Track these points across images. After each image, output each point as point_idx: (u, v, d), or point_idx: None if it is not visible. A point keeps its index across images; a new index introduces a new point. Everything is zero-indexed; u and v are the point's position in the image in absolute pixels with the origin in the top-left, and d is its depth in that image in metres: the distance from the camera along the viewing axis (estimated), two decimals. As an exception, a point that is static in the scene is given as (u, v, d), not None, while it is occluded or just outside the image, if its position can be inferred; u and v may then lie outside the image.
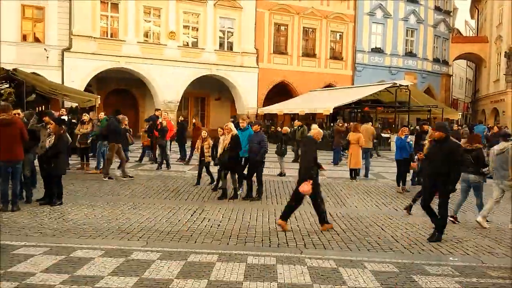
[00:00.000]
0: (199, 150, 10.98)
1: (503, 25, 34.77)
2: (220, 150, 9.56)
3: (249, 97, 28.96)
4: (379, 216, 8.36)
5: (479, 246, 6.56)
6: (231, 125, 9.71)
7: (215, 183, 10.61)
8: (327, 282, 4.80)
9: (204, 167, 10.96)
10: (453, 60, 39.74)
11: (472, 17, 49.45)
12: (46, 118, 8.80)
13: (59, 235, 6.37)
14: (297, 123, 17.50)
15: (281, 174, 13.39)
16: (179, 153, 16.47)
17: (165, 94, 26.54)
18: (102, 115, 14.50)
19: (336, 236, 6.80)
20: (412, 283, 4.89)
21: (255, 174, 9.66)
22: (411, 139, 12.05)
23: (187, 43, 27.72)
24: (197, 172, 11.38)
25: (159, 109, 16.35)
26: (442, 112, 26.73)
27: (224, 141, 9.46)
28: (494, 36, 36.48)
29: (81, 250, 5.57)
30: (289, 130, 15.80)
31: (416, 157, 10.02)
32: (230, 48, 28.79)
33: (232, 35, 28.79)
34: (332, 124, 22.51)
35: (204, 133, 11.05)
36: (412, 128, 25.66)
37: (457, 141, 7.24)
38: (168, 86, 26.45)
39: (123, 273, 4.83)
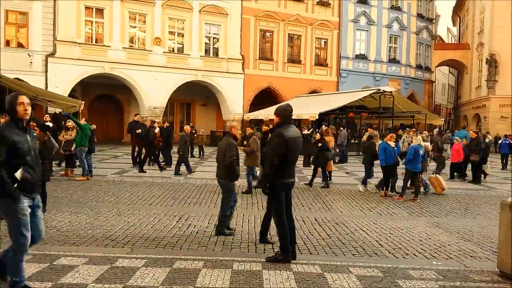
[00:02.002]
0: None
1: (484, 32, 35.50)
2: None
3: (235, 103, 29.02)
4: (364, 220, 8.43)
5: (462, 250, 6.66)
6: None
7: None
8: (313, 287, 4.82)
9: None
10: (436, 67, 40.36)
11: (454, 24, 50.39)
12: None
13: (42, 242, 6.26)
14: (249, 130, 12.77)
15: None
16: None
17: (151, 100, 26.44)
18: (83, 120, 13.72)
19: (322, 241, 6.83)
20: None
21: None
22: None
23: (173, 49, 27.69)
24: (183, 177, 11.12)
25: (137, 114, 16.26)
26: (425, 117, 27.08)
27: None
28: (476, 43, 37.20)
29: (64, 258, 5.51)
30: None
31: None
32: (216, 54, 28.84)
33: (217, 41, 28.85)
34: (317, 130, 22.63)
35: None
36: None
37: (281, 130, 5.62)
38: (153, 92, 26.36)
39: (108, 280, 4.78)
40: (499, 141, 23.15)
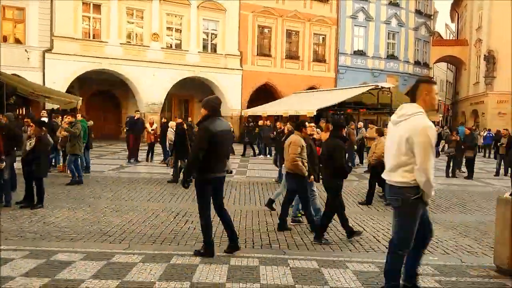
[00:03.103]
0: None
1: (482, 28, 35.47)
2: None
3: (233, 99, 28.96)
4: (361, 216, 8.44)
5: (459, 246, 6.67)
6: None
7: None
8: (309, 282, 4.83)
9: None
10: (434, 63, 40.33)
11: (452, 20, 50.35)
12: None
13: (39, 238, 6.28)
14: None
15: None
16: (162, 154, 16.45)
17: (148, 96, 26.38)
18: (79, 116, 13.02)
19: (319, 237, 6.83)
20: (393, 283, 4.94)
21: None
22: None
23: (171, 44, 27.60)
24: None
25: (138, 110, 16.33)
26: (423, 114, 27.01)
27: None
28: (474, 39, 37.17)
29: (61, 254, 5.50)
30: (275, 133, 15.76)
31: None
32: (214, 50, 28.77)
33: (215, 37, 28.77)
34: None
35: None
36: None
37: (207, 124, 5.41)
38: (151, 88, 26.30)
39: (105, 276, 4.78)
40: (484, 134, 26.09)
